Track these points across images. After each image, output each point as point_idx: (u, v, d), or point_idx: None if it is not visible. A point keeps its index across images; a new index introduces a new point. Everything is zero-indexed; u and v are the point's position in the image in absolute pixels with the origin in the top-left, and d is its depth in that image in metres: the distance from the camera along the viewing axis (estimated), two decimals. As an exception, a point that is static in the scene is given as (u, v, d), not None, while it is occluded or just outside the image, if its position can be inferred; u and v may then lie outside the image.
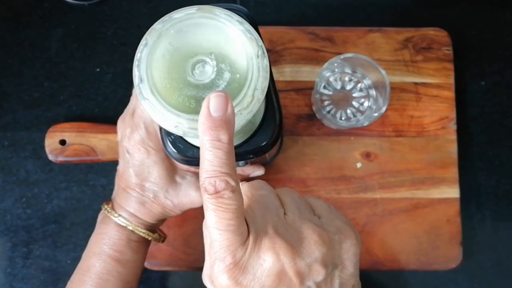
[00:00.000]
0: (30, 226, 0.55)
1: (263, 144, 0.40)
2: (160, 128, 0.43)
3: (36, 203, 0.56)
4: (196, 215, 0.53)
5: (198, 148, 0.41)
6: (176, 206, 0.44)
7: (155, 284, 0.55)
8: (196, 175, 0.44)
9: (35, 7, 0.60)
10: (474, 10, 0.61)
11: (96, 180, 0.56)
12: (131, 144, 0.43)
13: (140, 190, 0.43)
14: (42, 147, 0.54)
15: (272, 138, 0.41)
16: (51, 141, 0.54)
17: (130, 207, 0.44)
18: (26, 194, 0.56)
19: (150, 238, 0.45)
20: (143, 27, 0.57)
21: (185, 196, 0.44)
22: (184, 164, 0.43)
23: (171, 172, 0.44)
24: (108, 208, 0.44)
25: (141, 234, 0.44)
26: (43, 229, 0.55)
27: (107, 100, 0.58)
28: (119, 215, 0.44)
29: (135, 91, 0.44)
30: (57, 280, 0.55)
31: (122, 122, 0.45)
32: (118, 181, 0.45)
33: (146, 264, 0.53)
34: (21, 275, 0.55)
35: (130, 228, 0.43)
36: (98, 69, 0.59)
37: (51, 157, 0.54)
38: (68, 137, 0.54)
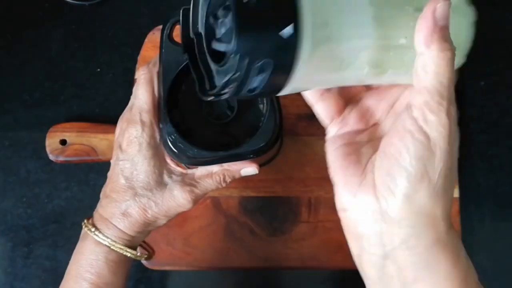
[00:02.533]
0: (31, 225, 0.56)
1: (263, 144, 0.40)
2: (161, 129, 0.43)
3: (36, 203, 0.56)
4: (197, 215, 0.53)
5: (198, 148, 0.41)
6: (161, 210, 0.41)
7: (155, 283, 0.55)
8: (183, 175, 0.42)
9: (36, 8, 0.60)
10: (473, 10, 0.61)
11: (97, 180, 0.56)
12: (125, 137, 0.42)
13: (123, 192, 0.41)
14: (43, 147, 0.54)
15: (272, 138, 0.41)
16: (51, 141, 0.54)
17: (110, 214, 0.40)
18: (26, 194, 0.56)
19: (129, 255, 0.41)
20: (143, 27, 0.58)
21: (170, 197, 0.41)
22: (185, 163, 0.43)
23: (159, 170, 0.41)
24: (86, 223, 0.41)
25: (118, 250, 0.40)
26: (44, 229, 0.56)
27: (107, 100, 0.58)
28: (96, 228, 0.40)
29: (135, 89, 0.42)
30: (58, 279, 0.55)
31: (121, 119, 0.44)
32: (104, 188, 0.43)
33: (146, 263, 0.53)
34: (22, 274, 0.55)
35: (106, 243, 0.40)
36: (99, 69, 0.59)
37: (51, 157, 0.54)
38: (69, 137, 0.54)
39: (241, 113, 0.46)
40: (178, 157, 0.41)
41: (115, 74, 0.59)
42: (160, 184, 0.41)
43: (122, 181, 0.41)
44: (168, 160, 0.42)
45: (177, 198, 0.41)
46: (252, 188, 0.55)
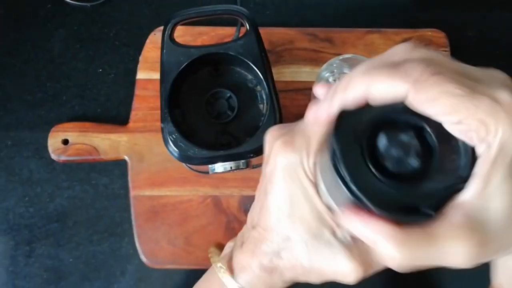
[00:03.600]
0: (33, 224, 0.56)
1: (263, 143, 0.40)
2: (162, 128, 0.43)
3: (38, 202, 0.56)
4: (197, 214, 0.54)
5: (199, 147, 0.42)
6: (310, 271, 0.31)
7: (156, 282, 0.55)
8: (357, 240, 0.31)
9: (38, 8, 0.61)
10: (471, 11, 0.61)
11: (99, 179, 0.56)
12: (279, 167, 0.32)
13: (272, 238, 0.32)
14: (45, 146, 0.55)
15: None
16: (53, 141, 0.55)
17: (254, 266, 0.33)
18: (29, 193, 0.57)
19: None
20: (144, 28, 0.58)
21: (328, 261, 0.31)
22: (186, 163, 0.44)
23: (325, 222, 0.30)
24: (223, 268, 0.35)
25: None
26: (46, 228, 0.56)
27: (109, 100, 0.58)
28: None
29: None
30: (59, 278, 0.55)
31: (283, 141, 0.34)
32: (247, 227, 0.36)
33: (147, 262, 0.53)
34: (24, 273, 0.55)
35: None
36: (101, 70, 0.59)
37: (53, 156, 0.55)
38: (71, 136, 0.55)
39: (242, 113, 0.47)
40: (179, 157, 0.42)
41: (117, 74, 0.59)
42: (321, 238, 0.31)
43: (275, 221, 0.33)
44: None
45: (339, 268, 0.31)
46: (253, 187, 0.55)
